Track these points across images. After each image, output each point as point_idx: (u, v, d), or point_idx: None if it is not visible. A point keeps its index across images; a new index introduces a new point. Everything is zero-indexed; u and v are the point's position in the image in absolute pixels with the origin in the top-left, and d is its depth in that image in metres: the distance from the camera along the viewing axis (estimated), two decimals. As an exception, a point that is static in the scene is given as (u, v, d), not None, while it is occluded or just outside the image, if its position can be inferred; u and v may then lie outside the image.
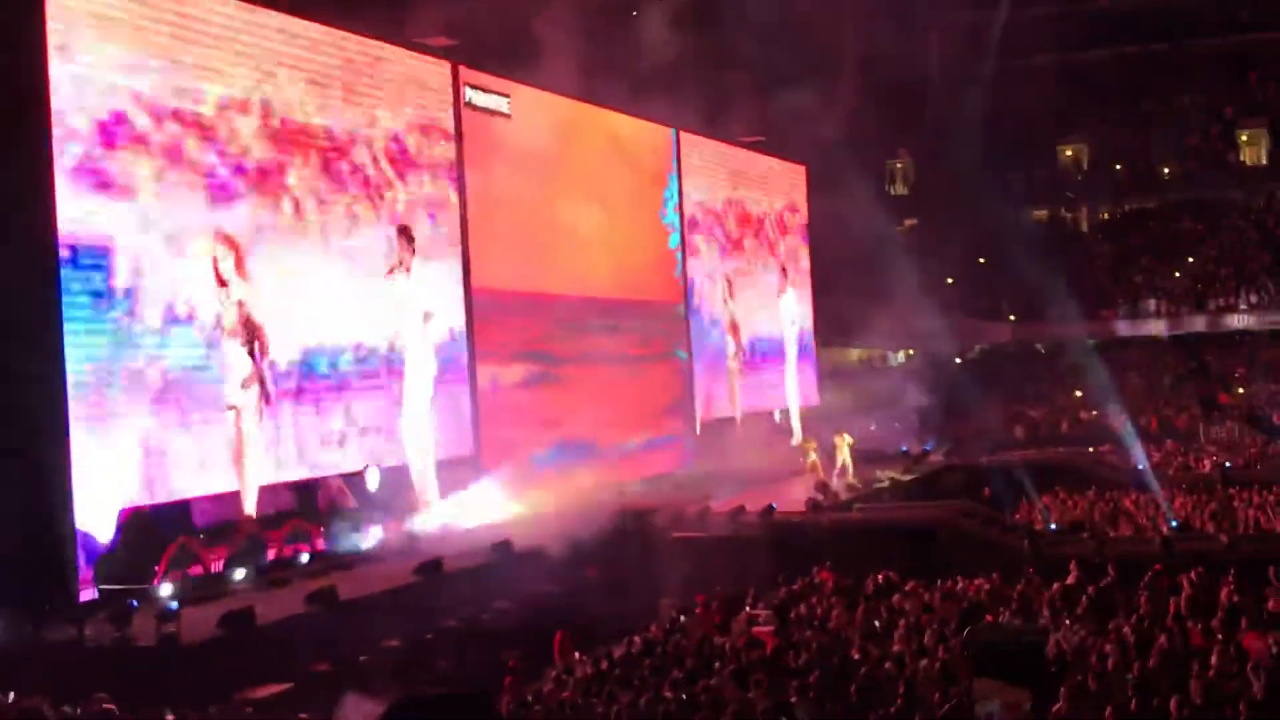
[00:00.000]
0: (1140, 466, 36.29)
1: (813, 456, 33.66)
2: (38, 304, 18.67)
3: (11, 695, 13.37)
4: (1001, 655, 2.81)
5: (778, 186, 44.66)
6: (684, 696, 14.48)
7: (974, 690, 2.66)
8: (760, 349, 42.28)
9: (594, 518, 25.15)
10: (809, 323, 46.13)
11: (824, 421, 39.93)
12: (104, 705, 12.58)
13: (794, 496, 29.11)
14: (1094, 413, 49.52)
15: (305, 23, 24.03)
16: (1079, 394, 51.29)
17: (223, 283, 21.74)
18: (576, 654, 18.68)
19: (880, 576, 22.23)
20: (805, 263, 46.26)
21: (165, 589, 19.16)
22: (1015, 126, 47.83)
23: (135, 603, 18.03)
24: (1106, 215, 60.00)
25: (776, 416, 42.63)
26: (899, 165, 58.86)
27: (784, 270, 44.28)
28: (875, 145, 47.49)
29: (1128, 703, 12.73)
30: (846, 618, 19.17)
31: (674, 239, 36.86)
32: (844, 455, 33.42)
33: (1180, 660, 14.88)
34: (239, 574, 20.85)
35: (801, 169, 46.15)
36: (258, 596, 19.77)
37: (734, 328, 40.81)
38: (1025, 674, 2.64)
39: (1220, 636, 15.93)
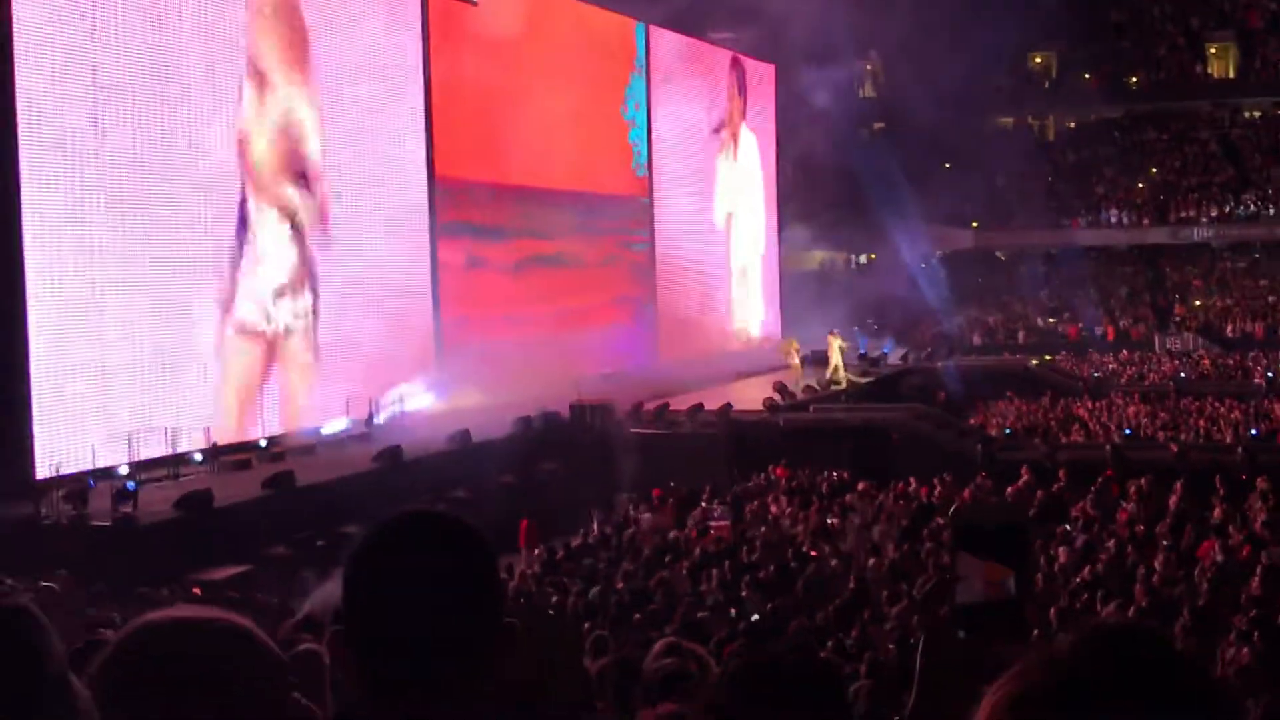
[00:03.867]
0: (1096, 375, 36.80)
1: (795, 359, 33.93)
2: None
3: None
4: (984, 534, 2.86)
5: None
6: (637, 588, 14.68)
7: (957, 566, 2.71)
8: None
9: (553, 410, 25.26)
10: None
11: (791, 324, 40.25)
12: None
13: (752, 396, 29.28)
14: (1050, 320, 49.97)
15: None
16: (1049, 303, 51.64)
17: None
18: (539, 546, 18.87)
19: (834, 475, 22.53)
20: (771, 164, 46.09)
21: (122, 469, 19.16)
22: (985, 32, 47.47)
23: (93, 482, 18.05)
24: (1073, 124, 59.93)
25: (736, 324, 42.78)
26: (869, 68, 58.45)
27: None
28: (845, 47, 47.08)
29: (1071, 605, 13.01)
30: (799, 515, 19.43)
31: (634, 133, 36.59)
32: (836, 356, 33.82)
33: (1126, 565, 15.19)
34: (197, 456, 20.88)
35: (770, 68, 45.80)
36: (215, 479, 19.83)
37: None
38: (1007, 553, 2.68)
39: (1166, 543, 16.25)
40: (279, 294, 23.55)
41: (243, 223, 22.71)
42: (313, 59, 24.47)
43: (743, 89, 42.65)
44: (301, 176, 24.10)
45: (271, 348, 23.42)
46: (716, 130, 41.43)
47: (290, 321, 23.82)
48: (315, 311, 24.37)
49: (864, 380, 34.57)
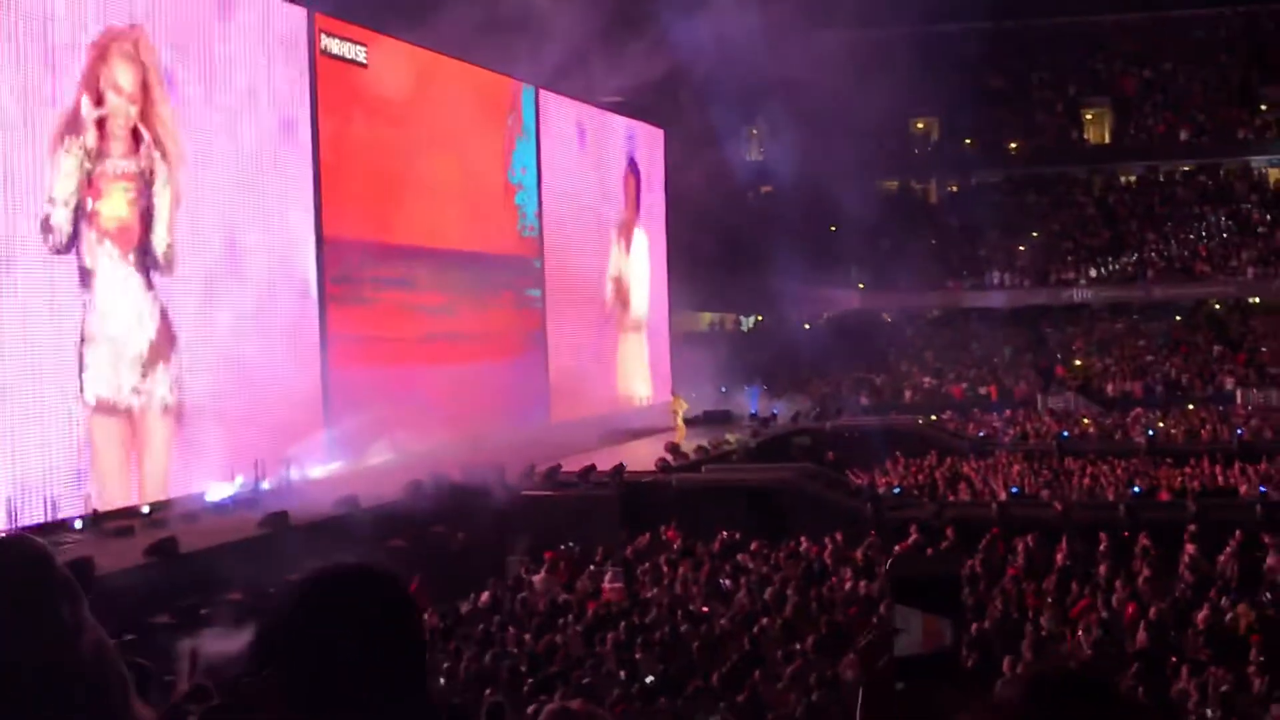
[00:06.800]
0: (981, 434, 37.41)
1: (680, 417, 34.09)
2: None
3: None
4: (919, 586, 2.88)
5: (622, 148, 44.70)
6: (530, 652, 14.55)
7: (895, 617, 2.71)
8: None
9: (443, 473, 25.02)
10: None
11: (681, 386, 40.50)
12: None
13: (644, 456, 29.36)
14: (936, 381, 50.73)
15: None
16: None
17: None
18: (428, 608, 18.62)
19: (725, 536, 22.59)
20: (660, 226, 46.46)
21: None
22: (869, 98, 48.44)
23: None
24: (954, 188, 61.21)
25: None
26: (755, 132, 59.25)
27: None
28: (732, 111, 47.74)
29: (962, 661, 13.12)
30: (692, 576, 19.43)
31: (520, 196, 36.59)
32: (678, 416, 34.06)
33: (1014, 621, 15.38)
34: (77, 524, 20.38)
35: (660, 133, 46.24)
36: (96, 546, 19.35)
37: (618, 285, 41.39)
38: (942, 604, 2.70)
39: (1050, 600, 16.50)
40: (141, 360, 22.79)
41: (85, 283, 21.88)
42: (187, 110, 24.07)
43: (638, 195, 43.23)
44: (156, 234, 23.34)
45: (144, 413, 22.79)
46: (616, 228, 41.83)
47: (159, 387, 23.08)
48: (180, 376, 23.57)
49: (754, 441, 34.75)
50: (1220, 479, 29.71)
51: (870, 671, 1.90)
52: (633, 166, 42.90)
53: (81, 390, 21.33)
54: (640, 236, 43.58)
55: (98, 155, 21.95)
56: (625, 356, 42.48)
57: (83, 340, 21.40)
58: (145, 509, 22.09)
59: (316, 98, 27.50)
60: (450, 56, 32.43)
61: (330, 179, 27.74)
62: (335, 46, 28.34)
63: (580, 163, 40.17)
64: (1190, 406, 43.97)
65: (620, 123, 43.23)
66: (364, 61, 29.25)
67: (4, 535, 1.99)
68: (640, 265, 43.73)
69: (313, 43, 27.59)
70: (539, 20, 33.39)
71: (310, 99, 27.36)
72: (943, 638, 1.97)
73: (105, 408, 21.89)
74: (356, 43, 29.02)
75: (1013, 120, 59.59)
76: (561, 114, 38.89)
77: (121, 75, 22.49)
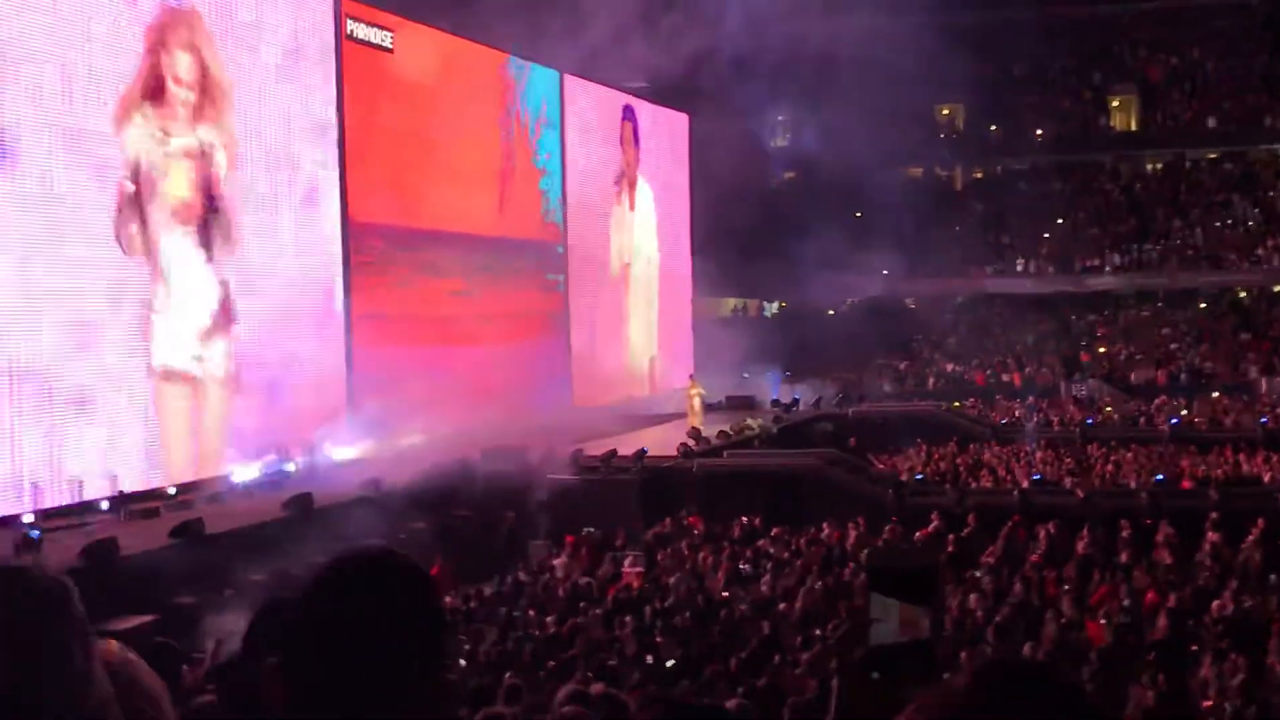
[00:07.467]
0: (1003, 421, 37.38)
1: (697, 402, 34.10)
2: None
3: None
4: (897, 576, 2.89)
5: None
6: (551, 635, 14.64)
7: (870, 607, 2.71)
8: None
9: (466, 456, 25.12)
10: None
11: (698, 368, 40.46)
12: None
13: (666, 441, 29.39)
14: (959, 367, 50.62)
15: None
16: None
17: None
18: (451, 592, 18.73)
19: (746, 521, 22.64)
20: (684, 211, 46.44)
21: (27, 517, 18.80)
22: (894, 84, 48.26)
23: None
24: (980, 174, 60.98)
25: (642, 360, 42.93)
26: (781, 118, 59.09)
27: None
28: (758, 96, 47.65)
29: (983, 648, 13.17)
30: (713, 561, 19.50)
31: (544, 181, 36.60)
32: (695, 403, 34.10)
33: (1034, 608, 15.41)
34: (103, 505, 20.54)
35: (684, 117, 46.22)
36: (121, 528, 19.51)
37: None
38: (920, 595, 2.71)
39: (1066, 588, 16.51)
40: (198, 335, 23.19)
41: (155, 258, 22.35)
42: (227, 96, 24.21)
43: (636, 138, 42.94)
44: (212, 214, 23.71)
45: (194, 391, 23.10)
46: (616, 182, 41.65)
47: (210, 364, 23.46)
48: (230, 354, 24.03)
49: (776, 427, 34.74)
50: (1244, 467, 29.60)
51: (845, 660, 1.94)
52: (628, 113, 42.68)
53: (150, 359, 21.93)
54: (644, 188, 43.41)
55: (162, 139, 22.43)
56: (636, 324, 42.38)
57: (149, 310, 22.10)
58: (171, 490, 22.26)
59: (342, 83, 27.58)
60: (476, 42, 32.51)
61: (356, 163, 27.83)
62: (361, 32, 28.41)
63: (604, 148, 40.20)
64: (1214, 394, 43.74)
65: (622, 108, 43.11)
66: (390, 47, 29.32)
67: (22, 565, 1.96)
68: (646, 219, 43.58)
69: (339, 28, 27.67)
70: (566, 5, 33.36)
71: (336, 84, 27.44)
72: (919, 629, 2.00)
73: (170, 376, 22.33)
74: (383, 28, 29.08)
75: (1038, 107, 59.30)
76: (585, 100, 38.91)
77: (181, 64, 22.83)
